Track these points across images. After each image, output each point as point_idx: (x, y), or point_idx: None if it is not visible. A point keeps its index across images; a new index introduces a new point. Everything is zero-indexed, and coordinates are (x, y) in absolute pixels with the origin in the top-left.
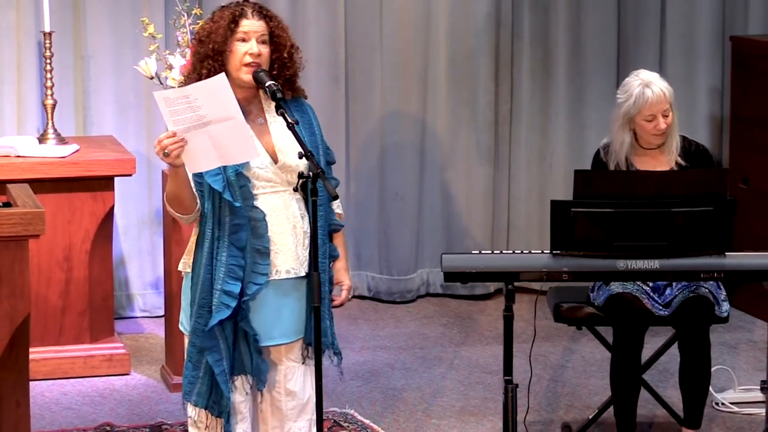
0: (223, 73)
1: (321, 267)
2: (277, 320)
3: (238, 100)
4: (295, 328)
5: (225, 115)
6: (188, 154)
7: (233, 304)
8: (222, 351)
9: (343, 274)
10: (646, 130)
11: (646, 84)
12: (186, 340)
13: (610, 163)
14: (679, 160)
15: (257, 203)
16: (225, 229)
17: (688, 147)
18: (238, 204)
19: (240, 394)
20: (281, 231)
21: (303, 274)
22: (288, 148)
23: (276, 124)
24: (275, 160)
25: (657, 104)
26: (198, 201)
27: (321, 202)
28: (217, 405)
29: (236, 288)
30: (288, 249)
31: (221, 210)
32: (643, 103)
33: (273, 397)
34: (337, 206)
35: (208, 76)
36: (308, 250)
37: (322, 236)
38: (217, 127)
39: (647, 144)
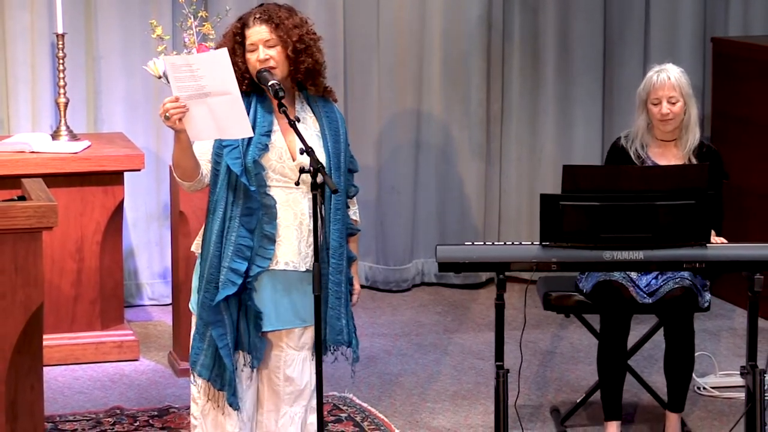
0: (225, 49)
1: (338, 267)
2: (273, 308)
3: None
4: (292, 317)
5: (223, 89)
6: (189, 122)
7: (239, 281)
8: (227, 326)
9: (355, 279)
10: (653, 114)
11: (659, 70)
12: (194, 317)
13: (629, 149)
14: (693, 159)
15: (270, 193)
16: (237, 210)
17: (699, 147)
18: (253, 188)
19: (239, 370)
20: (286, 225)
21: (303, 269)
22: (315, 148)
23: (303, 125)
24: (294, 159)
25: (662, 89)
26: (200, 171)
27: (339, 206)
28: (220, 378)
29: (242, 266)
30: (290, 243)
31: (236, 192)
32: (650, 86)
33: (272, 380)
34: (353, 212)
35: (242, 84)
36: (311, 248)
37: (336, 234)
38: (216, 100)
39: (660, 134)
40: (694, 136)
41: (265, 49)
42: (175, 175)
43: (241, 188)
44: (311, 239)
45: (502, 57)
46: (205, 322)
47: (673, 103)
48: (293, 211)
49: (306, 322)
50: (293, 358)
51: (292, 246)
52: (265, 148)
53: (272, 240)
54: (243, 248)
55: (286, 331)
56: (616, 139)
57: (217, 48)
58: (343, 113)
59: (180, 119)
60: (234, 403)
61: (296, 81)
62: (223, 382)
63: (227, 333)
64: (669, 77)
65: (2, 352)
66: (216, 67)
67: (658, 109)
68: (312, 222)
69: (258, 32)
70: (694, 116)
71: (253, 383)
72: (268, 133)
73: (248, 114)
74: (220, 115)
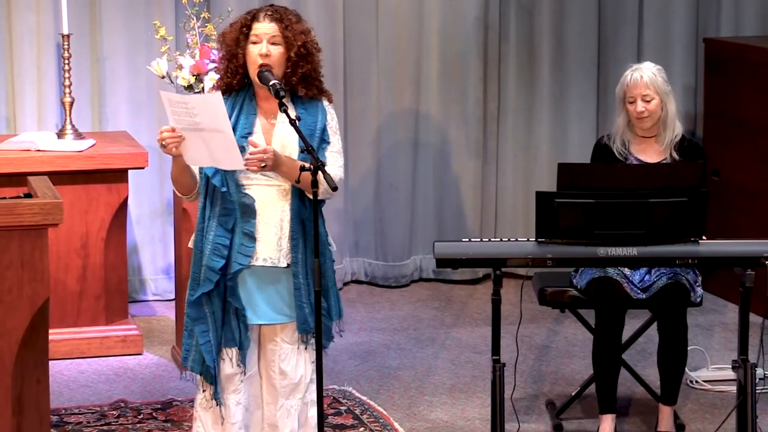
0: (220, 93)
1: (294, 260)
2: (257, 302)
3: (260, 98)
4: (278, 312)
5: (216, 127)
6: (186, 149)
7: (215, 279)
8: (209, 323)
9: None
10: (630, 113)
11: (634, 69)
12: None
13: (612, 146)
14: (674, 153)
15: (249, 192)
16: (216, 210)
17: (680, 142)
18: (224, 189)
19: (230, 366)
20: (266, 222)
21: (283, 265)
22: (291, 147)
23: (285, 124)
24: None
25: (635, 88)
26: (197, 184)
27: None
28: (208, 373)
29: (218, 264)
30: (269, 239)
31: (214, 193)
32: (625, 86)
33: (269, 374)
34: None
35: (234, 78)
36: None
37: (295, 227)
38: (210, 135)
39: (639, 130)
40: (673, 132)
41: (268, 44)
42: (174, 188)
43: (218, 189)
44: (292, 235)
45: (499, 57)
46: (191, 318)
47: (648, 101)
48: (273, 209)
49: (292, 317)
50: (287, 352)
51: (271, 243)
52: (242, 149)
53: (252, 238)
54: (220, 247)
55: (281, 325)
56: (599, 138)
57: (219, 37)
58: (343, 112)
59: (176, 147)
60: (218, 399)
61: (289, 84)
62: (211, 378)
63: (209, 330)
64: (642, 76)
65: (9, 346)
66: (210, 108)
67: (634, 107)
68: (312, 220)
69: (265, 27)
70: (672, 112)
71: (252, 376)
72: (247, 135)
73: (233, 113)
74: (213, 147)
